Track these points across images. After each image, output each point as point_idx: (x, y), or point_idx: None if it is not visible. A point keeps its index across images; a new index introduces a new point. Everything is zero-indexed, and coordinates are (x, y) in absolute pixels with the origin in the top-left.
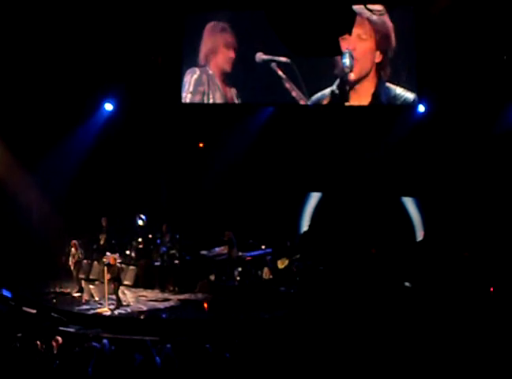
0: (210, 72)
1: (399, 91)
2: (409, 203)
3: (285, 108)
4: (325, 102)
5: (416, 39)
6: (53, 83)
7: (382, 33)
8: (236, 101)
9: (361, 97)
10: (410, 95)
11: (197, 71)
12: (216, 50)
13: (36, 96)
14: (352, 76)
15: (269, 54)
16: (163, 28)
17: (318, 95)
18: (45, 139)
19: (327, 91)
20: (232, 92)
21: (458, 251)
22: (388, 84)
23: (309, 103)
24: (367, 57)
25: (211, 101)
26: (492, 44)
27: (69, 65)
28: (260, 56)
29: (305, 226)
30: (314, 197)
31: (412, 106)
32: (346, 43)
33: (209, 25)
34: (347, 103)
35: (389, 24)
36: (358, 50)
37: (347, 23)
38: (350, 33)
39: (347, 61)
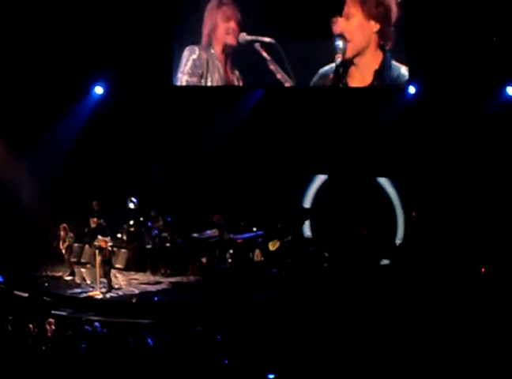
0: (212, 51)
1: (404, 70)
2: (388, 183)
3: (273, 90)
4: (329, 78)
5: (406, 19)
6: (42, 67)
7: (371, 3)
8: (236, 83)
9: (364, 73)
10: None
11: (197, 50)
12: (215, 25)
13: (26, 80)
14: (349, 55)
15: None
16: (152, 9)
17: (326, 68)
18: (35, 123)
19: (331, 66)
20: (235, 75)
21: (449, 231)
22: (394, 63)
23: (313, 80)
24: (359, 32)
25: (209, 84)
26: (482, 25)
27: (58, 49)
28: (243, 36)
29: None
30: (312, 180)
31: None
32: (335, 27)
33: (210, 4)
34: (348, 83)
35: None
36: (348, 31)
37: (337, 4)
38: (341, 14)
39: (340, 43)
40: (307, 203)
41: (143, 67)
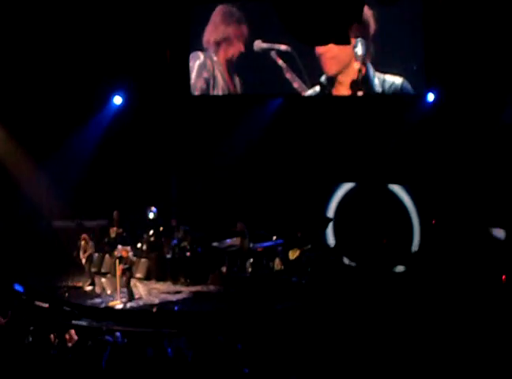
0: (215, 58)
1: (387, 77)
2: (403, 191)
3: (291, 99)
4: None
5: (424, 28)
6: (62, 77)
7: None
8: (239, 91)
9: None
10: (398, 80)
11: (201, 56)
12: (231, 40)
13: (45, 91)
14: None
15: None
16: (171, 20)
17: (310, 92)
18: (55, 133)
19: (317, 87)
20: (237, 82)
21: (467, 239)
22: (376, 73)
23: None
24: (342, 49)
25: (215, 91)
26: (501, 32)
27: (77, 59)
28: (258, 44)
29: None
30: (334, 188)
31: (405, 93)
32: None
33: (221, 9)
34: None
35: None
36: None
37: (356, 11)
38: (360, 22)
39: (359, 49)
40: (330, 211)
41: (162, 77)
